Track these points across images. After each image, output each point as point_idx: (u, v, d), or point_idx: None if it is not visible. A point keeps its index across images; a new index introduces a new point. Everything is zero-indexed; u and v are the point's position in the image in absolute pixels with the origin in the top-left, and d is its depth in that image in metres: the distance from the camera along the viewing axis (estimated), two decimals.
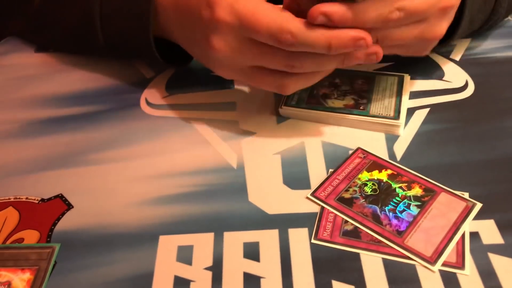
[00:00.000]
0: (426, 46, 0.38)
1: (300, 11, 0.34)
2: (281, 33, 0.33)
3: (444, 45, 0.42)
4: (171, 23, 0.41)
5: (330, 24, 0.33)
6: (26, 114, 0.45)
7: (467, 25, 0.42)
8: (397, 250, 0.32)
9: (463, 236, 0.32)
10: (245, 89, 0.46)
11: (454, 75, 0.46)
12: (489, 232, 0.32)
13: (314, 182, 0.36)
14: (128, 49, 0.44)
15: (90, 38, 0.45)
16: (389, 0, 0.33)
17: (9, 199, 0.37)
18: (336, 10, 0.32)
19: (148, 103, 0.45)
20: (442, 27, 0.36)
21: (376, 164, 0.37)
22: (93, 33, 0.44)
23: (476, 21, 0.45)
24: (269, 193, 0.36)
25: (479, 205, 0.34)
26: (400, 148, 0.39)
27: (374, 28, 0.34)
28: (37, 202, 0.37)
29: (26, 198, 0.37)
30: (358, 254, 0.32)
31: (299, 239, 0.33)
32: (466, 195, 0.35)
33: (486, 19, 0.46)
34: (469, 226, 0.33)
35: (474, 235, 0.32)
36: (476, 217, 0.33)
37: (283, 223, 0.34)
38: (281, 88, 0.37)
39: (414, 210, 0.34)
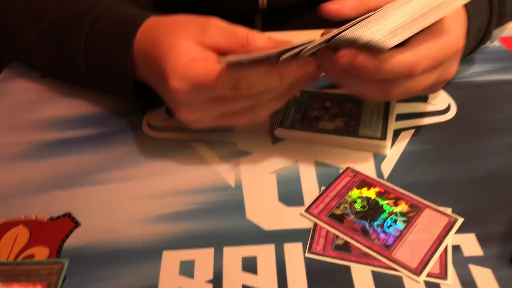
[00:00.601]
0: (440, 87, 0.41)
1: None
2: (237, 85, 0.35)
3: None
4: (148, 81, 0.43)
5: (353, 71, 0.35)
6: (33, 137, 0.47)
7: (464, 54, 0.46)
8: (385, 263, 0.34)
9: (446, 249, 0.35)
10: None
11: (437, 98, 0.49)
12: (470, 245, 0.35)
13: (308, 199, 0.39)
14: (111, 91, 0.47)
15: (77, 78, 0.48)
16: (412, 51, 0.35)
17: (19, 217, 0.39)
18: (362, 59, 0.34)
19: (149, 126, 0.48)
20: (454, 68, 0.39)
21: (365, 182, 0.40)
22: (79, 73, 0.47)
23: (468, 48, 0.48)
24: (265, 210, 0.39)
25: (460, 220, 0.37)
26: (387, 167, 0.42)
27: (397, 81, 0.36)
28: (46, 220, 0.39)
29: (36, 217, 0.39)
30: (349, 266, 0.34)
31: (294, 253, 0.35)
32: (448, 210, 0.37)
33: (476, 46, 0.49)
34: (451, 239, 0.35)
35: (456, 248, 0.35)
36: (458, 231, 0.36)
37: (279, 238, 0.36)
38: (254, 120, 0.39)
39: (400, 225, 0.36)
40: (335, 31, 0.34)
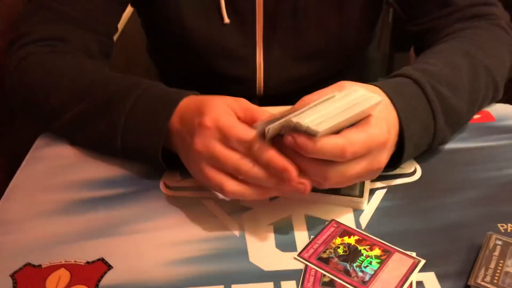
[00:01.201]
0: (373, 175, 0.49)
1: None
2: (249, 143, 0.45)
3: (395, 168, 0.55)
4: (175, 138, 0.53)
5: (296, 148, 0.43)
6: (68, 196, 0.56)
7: (412, 150, 0.53)
8: None
9: (411, 284, 0.43)
10: None
11: (405, 163, 0.59)
12: (430, 281, 0.44)
13: (300, 245, 0.48)
14: (139, 157, 0.57)
15: (111, 147, 0.58)
16: (342, 136, 0.44)
17: (60, 262, 0.47)
18: (302, 139, 0.43)
19: (166, 186, 0.57)
20: (384, 158, 0.48)
21: (346, 231, 0.49)
22: (113, 143, 0.57)
23: (421, 145, 0.55)
24: (265, 254, 0.47)
25: (423, 262, 0.45)
26: (364, 219, 0.51)
27: (333, 164, 0.45)
28: (83, 264, 0.47)
29: (75, 261, 0.47)
30: None
31: None
32: (413, 254, 0.46)
33: (431, 142, 0.56)
34: (415, 277, 0.44)
35: (419, 283, 0.43)
36: (421, 270, 0.45)
37: (277, 277, 0.45)
38: (222, 190, 0.47)
39: (375, 265, 0.45)
40: (281, 118, 0.43)
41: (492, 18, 0.68)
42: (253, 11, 0.75)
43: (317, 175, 0.45)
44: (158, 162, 0.55)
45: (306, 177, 0.45)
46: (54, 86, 0.63)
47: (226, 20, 0.75)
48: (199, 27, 0.76)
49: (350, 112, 0.44)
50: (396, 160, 0.52)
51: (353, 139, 0.44)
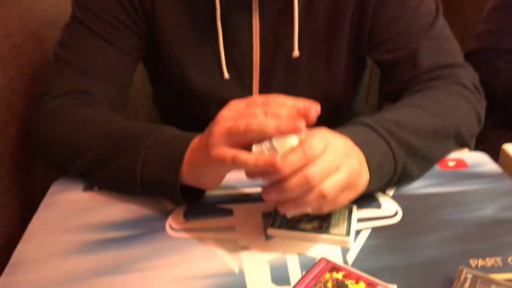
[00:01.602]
0: (350, 196, 0.56)
1: None
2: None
3: (373, 190, 0.62)
4: (189, 167, 0.60)
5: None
6: (82, 237, 0.61)
7: (377, 169, 0.59)
8: None
9: None
10: (241, 217, 0.64)
11: (387, 206, 0.65)
12: None
13: (293, 280, 0.53)
14: (158, 192, 0.63)
15: (130, 181, 0.63)
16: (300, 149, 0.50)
17: None
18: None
19: (171, 228, 0.62)
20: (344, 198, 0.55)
21: (334, 267, 0.54)
22: (133, 176, 0.63)
23: (386, 165, 0.62)
24: None
25: None
26: (351, 256, 0.56)
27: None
28: None
29: None
30: None
31: None
32: (395, 287, 0.52)
33: (394, 166, 0.62)
34: None
35: None
36: None
37: None
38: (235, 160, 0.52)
39: None
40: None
41: (454, 77, 0.77)
42: (250, 68, 0.83)
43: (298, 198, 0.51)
44: (175, 192, 0.61)
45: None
46: (79, 133, 0.70)
47: (226, 75, 0.83)
48: (201, 81, 0.84)
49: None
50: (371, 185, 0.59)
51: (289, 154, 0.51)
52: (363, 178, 0.57)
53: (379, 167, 0.60)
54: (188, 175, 0.60)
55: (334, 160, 0.52)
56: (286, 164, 0.50)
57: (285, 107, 0.53)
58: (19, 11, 0.86)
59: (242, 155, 0.52)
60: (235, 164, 0.52)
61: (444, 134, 0.70)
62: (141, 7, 0.78)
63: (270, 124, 0.51)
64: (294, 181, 0.50)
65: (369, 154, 0.59)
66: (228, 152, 0.53)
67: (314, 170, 0.50)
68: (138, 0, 0.77)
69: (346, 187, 0.54)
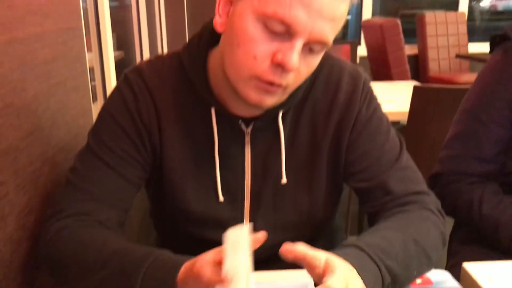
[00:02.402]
0: None
1: None
2: None
3: None
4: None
5: None
6: None
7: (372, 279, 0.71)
8: None
9: None
10: None
11: None
12: None
13: None
14: None
15: None
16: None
17: None
18: None
19: None
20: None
21: None
22: None
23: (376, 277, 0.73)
24: None
25: None
26: None
27: None
28: None
29: None
30: None
31: None
32: None
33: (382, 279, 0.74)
34: None
35: None
36: None
37: None
38: None
39: None
40: None
41: (422, 203, 0.90)
42: (242, 192, 0.95)
43: None
44: None
45: None
46: (82, 255, 0.79)
47: (221, 198, 0.94)
48: (198, 203, 0.95)
49: None
50: None
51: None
52: None
53: (374, 277, 0.71)
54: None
55: None
56: None
57: None
58: (40, 140, 0.98)
59: None
60: None
61: (418, 259, 0.81)
62: (150, 143, 0.91)
63: None
64: None
65: (366, 280, 0.69)
66: None
67: None
68: (148, 137, 0.91)
69: None
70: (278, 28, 0.74)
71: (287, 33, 0.74)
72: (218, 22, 0.82)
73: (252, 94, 0.80)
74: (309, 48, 0.77)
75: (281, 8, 0.72)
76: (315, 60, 0.81)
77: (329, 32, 0.76)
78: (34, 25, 0.96)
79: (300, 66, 0.78)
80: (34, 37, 0.96)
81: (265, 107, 0.83)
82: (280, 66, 0.75)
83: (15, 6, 0.88)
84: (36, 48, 0.97)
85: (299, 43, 0.74)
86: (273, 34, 0.75)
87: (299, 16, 0.72)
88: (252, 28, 0.75)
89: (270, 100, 0.81)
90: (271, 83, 0.77)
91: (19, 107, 0.88)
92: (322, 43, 0.77)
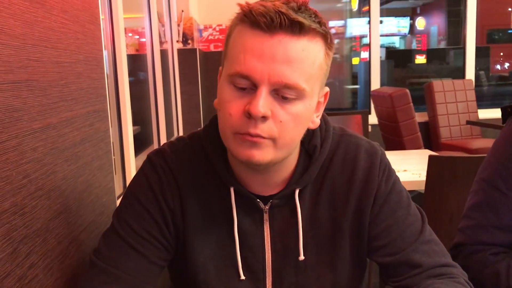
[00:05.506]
0: None
1: None
2: None
3: None
4: None
5: None
6: None
7: None
8: None
9: None
10: None
11: None
12: None
13: None
14: None
15: None
16: None
17: None
18: None
19: None
20: None
21: None
22: None
23: None
24: None
25: None
26: None
27: None
28: None
29: None
30: None
31: None
32: None
33: None
34: None
35: None
36: None
37: None
38: None
39: None
40: None
41: (453, 276, 0.89)
42: (263, 270, 0.95)
43: None
44: None
45: None
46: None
47: (242, 277, 0.94)
48: (220, 282, 0.95)
49: None
50: None
51: None
52: None
53: None
54: None
55: None
56: None
57: None
58: (67, 220, 1.01)
59: None
60: None
61: None
62: (173, 224, 0.94)
63: None
64: None
65: None
66: None
67: None
68: (172, 218, 0.93)
69: None
70: (243, 83, 0.81)
71: (252, 85, 0.81)
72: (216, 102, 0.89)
73: (241, 150, 0.83)
74: (281, 96, 0.81)
75: (239, 65, 0.80)
76: (296, 108, 0.82)
77: (291, 74, 0.79)
78: (66, 111, 1.02)
79: (280, 115, 0.81)
80: (66, 122, 1.02)
81: (257, 163, 0.84)
82: (251, 116, 0.80)
83: (51, 94, 0.94)
84: (67, 132, 1.02)
85: (262, 90, 0.80)
86: (242, 91, 0.82)
87: (253, 66, 0.79)
88: (226, 91, 0.83)
89: (260, 154, 0.82)
90: (250, 134, 0.81)
91: (49, 190, 0.92)
92: (290, 87, 0.80)
